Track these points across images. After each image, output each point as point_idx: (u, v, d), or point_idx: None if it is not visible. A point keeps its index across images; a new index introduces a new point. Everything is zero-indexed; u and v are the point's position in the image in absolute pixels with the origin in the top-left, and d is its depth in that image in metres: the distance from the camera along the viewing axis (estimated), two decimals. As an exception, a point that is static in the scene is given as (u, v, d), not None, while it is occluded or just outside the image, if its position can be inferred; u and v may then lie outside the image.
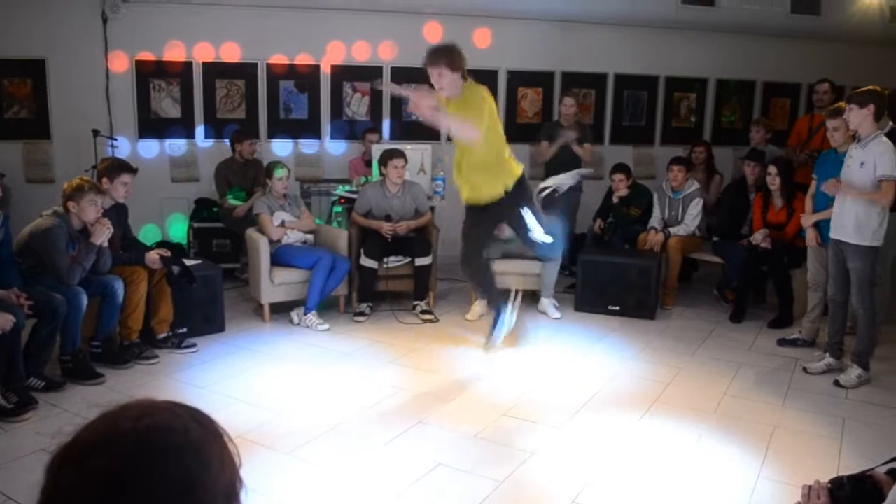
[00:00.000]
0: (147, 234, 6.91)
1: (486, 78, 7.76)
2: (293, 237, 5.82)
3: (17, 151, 6.86)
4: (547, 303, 5.97)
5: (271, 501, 3.01)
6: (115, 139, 6.76)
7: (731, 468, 3.38)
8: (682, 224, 6.37)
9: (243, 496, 0.90)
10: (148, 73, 7.10)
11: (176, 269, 4.96)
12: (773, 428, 3.81)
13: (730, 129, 8.65)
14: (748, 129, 7.16)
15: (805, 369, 4.71)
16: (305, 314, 5.54)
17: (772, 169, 5.78)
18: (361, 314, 5.81)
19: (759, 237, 5.77)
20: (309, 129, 7.63)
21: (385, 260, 5.86)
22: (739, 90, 8.67)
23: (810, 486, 1.74)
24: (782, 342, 5.29)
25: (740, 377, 4.62)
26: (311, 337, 5.35)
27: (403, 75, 6.97)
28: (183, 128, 7.28)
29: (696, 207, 6.35)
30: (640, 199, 6.76)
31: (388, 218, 5.91)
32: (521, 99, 8.12)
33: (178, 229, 7.14)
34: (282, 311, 5.75)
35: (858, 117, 4.24)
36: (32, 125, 6.90)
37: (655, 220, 6.50)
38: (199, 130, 7.33)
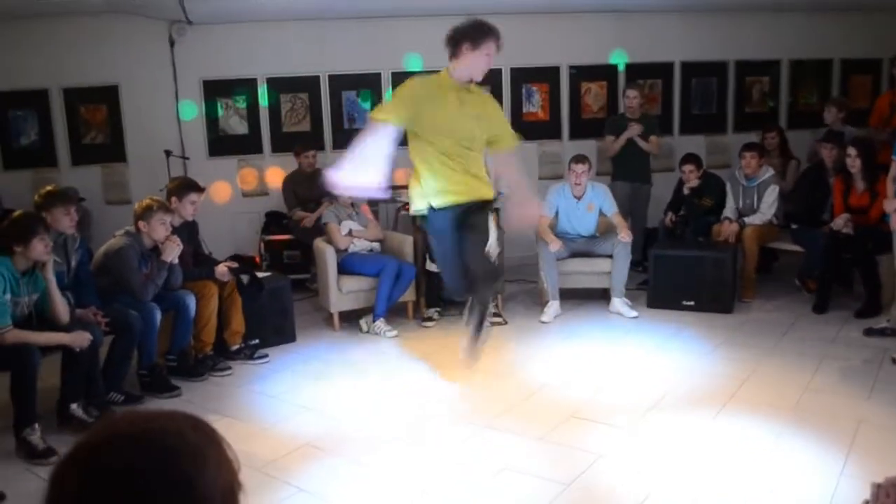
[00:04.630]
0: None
1: (548, 74, 7.81)
2: (359, 245, 5.87)
3: (96, 175, 7.15)
4: (619, 302, 5.81)
5: (337, 509, 3.02)
6: (187, 158, 6.97)
7: (812, 467, 3.22)
8: (757, 213, 6.13)
9: (242, 499, 0.92)
10: (215, 92, 7.31)
11: (245, 277, 5.11)
12: (857, 423, 3.60)
13: (808, 111, 8.28)
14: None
15: (894, 360, 4.45)
16: (374, 321, 5.57)
17: (851, 150, 5.50)
18: (430, 319, 5.81)
19: (840, 223, 5.50)
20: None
21: (451, 264, 5.83)
22: (815, 70, 8.30)
23: (879, 484, 1.62)
24: (869, 332, 5.01)
25: (823, 370, 4.40)
26: (380, 344, 5.38)
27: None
28: (251, 143, 7.46)
29: (771, 195, 6.09)
30: (712, 189, 6.54)
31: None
32: (585, 94, 7.98)
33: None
34: (351, 319, 5.80)
35: None
36: (108, 149, 7.18)
37: (729, 210, 6.27)
38: (267, 145, 7.49)
